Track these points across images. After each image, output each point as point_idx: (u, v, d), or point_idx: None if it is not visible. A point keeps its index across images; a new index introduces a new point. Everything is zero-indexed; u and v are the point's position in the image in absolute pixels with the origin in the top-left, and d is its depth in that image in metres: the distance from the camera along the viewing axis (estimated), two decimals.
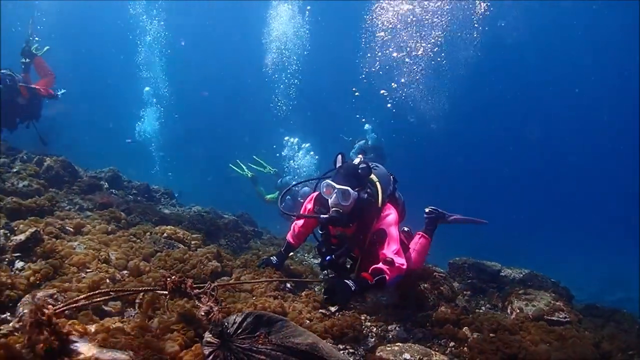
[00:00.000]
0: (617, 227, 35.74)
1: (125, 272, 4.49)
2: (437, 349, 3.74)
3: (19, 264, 4.24)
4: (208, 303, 2.96)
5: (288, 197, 12.04)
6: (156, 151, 27.06)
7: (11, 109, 9.94)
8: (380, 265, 4.16)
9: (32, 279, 3.77)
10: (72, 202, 7.30)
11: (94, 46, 44.78)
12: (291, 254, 6.07)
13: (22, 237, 4.50)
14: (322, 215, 4.50)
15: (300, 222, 5.49)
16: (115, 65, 41.54)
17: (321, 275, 5.72)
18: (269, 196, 13.69)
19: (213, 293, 3.11)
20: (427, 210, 5.99)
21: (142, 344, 2.67)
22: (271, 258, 5.44)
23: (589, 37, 33.98)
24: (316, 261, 7.88)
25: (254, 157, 14.67)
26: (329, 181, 4.44)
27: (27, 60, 10.84)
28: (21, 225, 5.04)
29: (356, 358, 3.41)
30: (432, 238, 5.81)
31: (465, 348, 3.99)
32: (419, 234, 5.77)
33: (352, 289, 3.84)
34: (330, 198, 4.43)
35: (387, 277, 4.03)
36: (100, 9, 40.23)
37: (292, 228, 5.65)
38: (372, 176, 4.86)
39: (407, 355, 3.32)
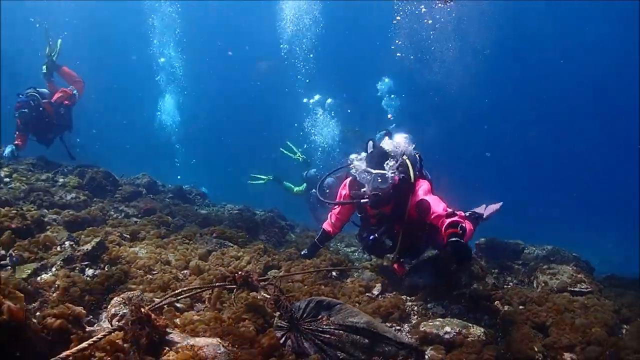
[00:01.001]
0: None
1: (186, 271, 4.97)
2: (473, 322, 4.18)
3: (89, 271, 4.72)
4: (275, 293, 3.43)
5: (313, 190, 12.39)
6: (178, 145, 27.32)
7: (43, 128, 10.34)
8: (448, 220, 4.29)
9: (106, 283, 4.26)
10: (117, 209, 7.79)
11: (109, 43, 44.65)
12: (326, 243, 6.29)
13: (88, 246, 4.99)
14: (362, 200, 4.82)
15: (337, 210, 5.72)
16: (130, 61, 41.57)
17: (364, 258, 6.06)
18: (296, 189, 13.83)
19: (277, 284, 3.56)
20: (467, 213, 6.07)
21: (224, 331, 3.15)
22: (302, 252, 5.79)
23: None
24: (349, 250, 8.35)
25: (287, 142, 14.66)
26: (364, 168, 4.74)
27: (46, 71, 11.01)
28: (82, 236, 5.55)
29: (403, 333, 3.86)
30: (476, 229, 5.66)
31: (498, 320, 4.42)
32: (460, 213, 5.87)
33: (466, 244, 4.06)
34: (368, 183, 4.74)
35: (461, 223, 4.24)
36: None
37: (329, 217, 5.87)
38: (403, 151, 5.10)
39: (447, 329, 3.77)
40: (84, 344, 2.54)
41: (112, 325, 3.21)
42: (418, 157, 5.37)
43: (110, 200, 8.31)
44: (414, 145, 5.24)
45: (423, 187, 4.90)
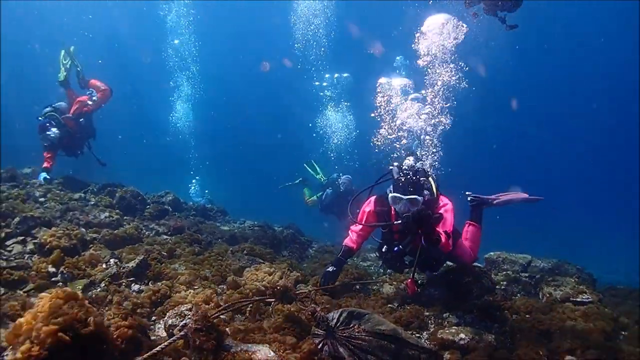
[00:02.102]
0: None
1: (223, 286, 5.46)
2: (484, 330, 4.66)
3: (135, 287, 5.25)
4: (311, 305, 3.93)
5: (329, 189, 12.92)
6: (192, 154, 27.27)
7: (69, 143, 10.72)
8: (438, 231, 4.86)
9: (153, 297, 4.76)
10: (149, 227, 8.30)
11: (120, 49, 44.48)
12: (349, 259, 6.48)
13: (132, 264, 5.51)
14: (395, 222, 5.17)
15: (358, 227, 5.88)
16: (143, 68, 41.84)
17: (380, 271, 6.44)
18: (309, 198, 14.26)
19: (312, 297, 4.07)
20: (468, 198, 6.38)
21: (270, 339, 3.65)
22: (329, 269, 5.82)
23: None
24: (365, 264, 8.83)
25: (312, 161, 14.99)
26: (395, 194, 5.09)
27: (63, 79, 11.15)
28: (124, 254, 6.08)
29: (423, 340, 4.34)
30: (482, 225, 6.23)
31: (507, 327, 4.90)
32: (468, 223, 6.24)
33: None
34: (399, 207, 5.12)
35: (443, 240, 4.81)
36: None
37: (349, 233, 6.00)
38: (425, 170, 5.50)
39: (462, 335, 4.26)
40: (155, 350, 3.05)
41: (168, 334, 3.72)
42: (434, 176, 5.76)
43: (140, 218, 8.82)
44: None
45: (448, 205, 5.33)
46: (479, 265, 7.44)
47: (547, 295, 6.32)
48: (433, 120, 6.51)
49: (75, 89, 11.36)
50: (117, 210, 8.61)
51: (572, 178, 44.63)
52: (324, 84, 22.94)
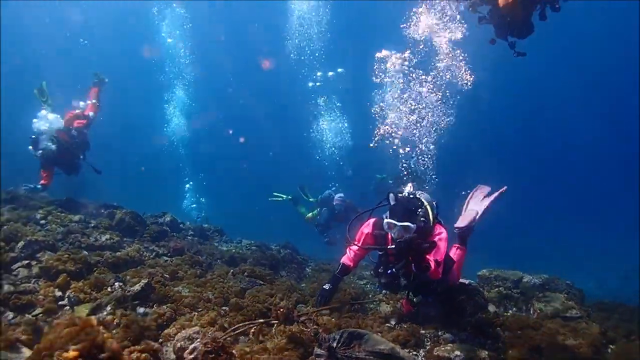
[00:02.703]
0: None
1: (226, 308, 5.64)
2: (478, 347, 4.87)
3: (140, 310, 5.40)
4: (313, 326, 4.14)
5: (324, 208, 13.13)
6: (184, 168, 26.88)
7: (68, 158, 10.71)
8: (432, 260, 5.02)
9: (159, 320, 4.94)
10: (149, 249, 8.42)
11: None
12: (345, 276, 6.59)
13: (137, 287, 5.66)
14: (389, 247, 5.31)
15: (356, 247, 5.97)
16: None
17: (377, 289, 6.63)
18: (308, 215, 14.39)
19: (314, 319, 4.28)
20: (455, 230, 6.62)
21: (277, 358, 3.85)
22: (325, 287, 6.00)
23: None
24: (361, 282, 9.02)
25: (301, 188, 15.18)
26: (389, 220, 5.22)
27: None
28: (128, 276, 6.25)
29: (419, 357, 4.55)
30: (467, 247, 6.57)
31: (499, 344, 5.13)
32: (455, 246, 6.55)
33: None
34: (393, 233, 5.26)
35: (432, 269, 4.99)
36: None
37: (347, 251, 6.12)
38: (422, 199, 5.64)
39: (457, 352, 4.48)
40: None
41: (177, 357, 3.91)
42: (434, 204, 5.90)
43: (140, 239, 8.96)
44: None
45: (443, 234, 5.52)
46: (472, 282, 7.68)
47: (538, 311, 6.55)
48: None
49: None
50: (117, 232, 8.72)
51: (571, 178, 44.73)
52: (317, 84, 23.12)
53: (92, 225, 9.03)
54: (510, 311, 7.02)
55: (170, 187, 30.37)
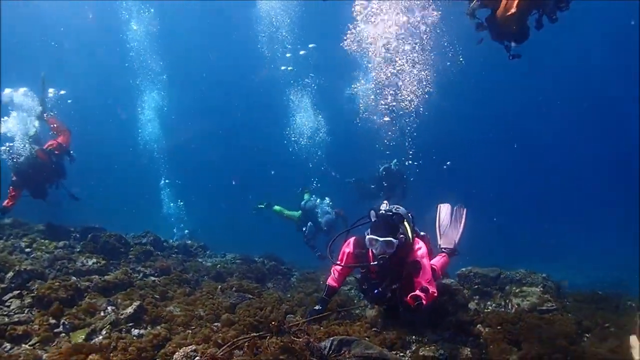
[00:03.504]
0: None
1: (217, 323, 5.82)
2: (461, 344, 5.15)
3: (135, 332, 5.60)
4: (305, 336, 4.37)
5: (310, 223, 13.27)
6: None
7: (37, 177, 10.61)
8: (418, 292, 4.97)
9: (154, 341, 5.11)
10: (135, 270, 8.56)
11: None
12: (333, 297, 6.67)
13: (130, 310, 5.86)
14: (372, 263, 5.43)
15: (339, 267, 6.08)
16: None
17: (361, 295, 6.83)
18: (288, 212, 14.62)
19: (305, 329, 4.50)
20: (441, 249, 7.01)
21: None
22: (315, 308, 6.12)
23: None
24: (345, 288, 9.26)
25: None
26: (372, 236, 5.29)
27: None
28: (119, 300, 6.41)
29: (406, 358, 4.79)
30: (450, 259, 6.87)
31: (481, 340, 5.42)
32: (441, 255, 6.81)
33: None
34: (375, 248, 5.32)
35: (424, 302, 5.01)
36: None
37: (332, 272, 6.20)
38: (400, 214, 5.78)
39: (441, 351, 4.75)
40: None
41: None
42: (410, 216, 6.11)
43: (125, 261, 9.10)
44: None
45: (422, 250, 5.63)
46: (453, 281, 7.97)
47: (516, 306, 6.85)
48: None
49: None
50: (103, 256, 8.82)
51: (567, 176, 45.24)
52: (289, 68, 23.28)
53: (78, 250, 9.21)
54: (489, 307, 7.32)
55: (146, 197, 30.45)
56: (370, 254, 5.58)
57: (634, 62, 32.41)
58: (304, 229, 13.44)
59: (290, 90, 21.69)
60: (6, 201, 10.45)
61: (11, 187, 10.51)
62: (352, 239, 5.98)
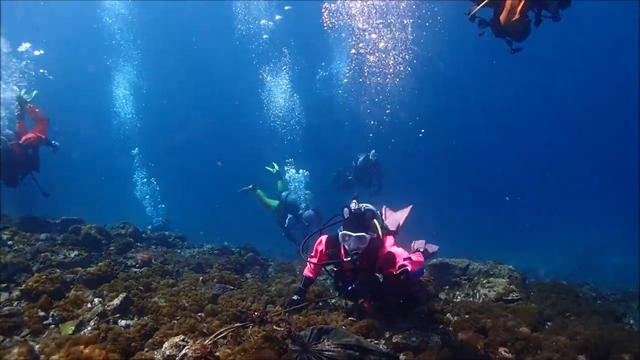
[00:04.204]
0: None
1: (201, 314, 6.09)
2: (431, 332, 5.51)
3: (122, 322, 5.83)
4: (286, 325, 4.68)
5: (290, 216, 13.61)
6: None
7: (10, 169, 10.58)
8: (402, 262, 5.11)
9: (142, 331, 5.35)
10: (117, 262, 8.72)
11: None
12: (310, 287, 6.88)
13: (117, 301, 6.09)
14: (346, 259, 5.57)
15: (315, 259, 6.29)
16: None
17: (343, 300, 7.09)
18: (268, 200, 14.81)
19: (287, 319, 4.82)
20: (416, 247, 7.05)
21: (257, 357, 4.37)
22: (294, 298, 6.41)
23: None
24: (321, 278, 9.57)
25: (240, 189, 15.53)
26: (345, 232, 5.51)
27: (19, 108, 11.11)
28: (104, 291, 6.63)
29: (381, 345, 5.13)
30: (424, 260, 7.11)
31: (450, 327, 5.80)
32: (417, 253, 6.65)
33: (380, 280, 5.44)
34: (349, 244, 5.52)
35: (410, 268, 5.10)
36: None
37: (308, 265, 6.40)
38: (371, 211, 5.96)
39: (413, 338, 5.10)
40: None
41: None
42: (379, 212, 6.40)
43: (106, 253, 9.30)
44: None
45: (389, 241, 5.90)
46: (425, 272, 8.38)
47: (483, 296, 7.27)
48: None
49: (27, 124, 11.40)
50: (85, 248, 9.04)
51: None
52: (265, 36, 23.82)
53: (59, 242, 9.33)
54: (459, 297, 7.72)
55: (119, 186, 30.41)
56: (343, 251, 5.77)
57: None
58: (285, 224, 13.77)
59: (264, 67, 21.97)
60: None
61: None
62: (324, 238, 6.20)
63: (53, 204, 12.64)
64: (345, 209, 5.68)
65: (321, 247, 6.16)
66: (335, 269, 6.10)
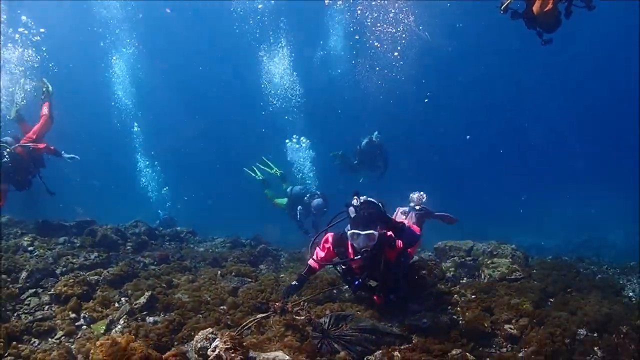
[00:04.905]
0: None
1: (223, 307, 6.44)
2: (441, 313, 5.88)
3: (150, 319, 6.19)
4: (306, 314, 5.06)
5: (300, 207, 13.97)
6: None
7: (22, 173, 10.67)
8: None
9: (170, 326, 5.70)
10: (135, 260, 9.08)
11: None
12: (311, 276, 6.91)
13: (143, 300, 6.45)
14: (356, 257, 5.61)
15: (323, 253, 6.31)
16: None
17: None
18: (277, 200, 15.13)
19: (306, 308, 5.18)
20: (417, 207, 7.64)
21: (279, 346, 4.74)
22: (293, 284, 6.55)
23: None
24: (330, 267, 9.91)
25: (263, 157, 15.68)
26: (354, 231, 5.47)
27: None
28: (129, 290, 7.00)
29: (394, 327, 5.49)
30: (422, 230, 7.42)
31: (458, 308, 6.20)
32: (413, 226, 7.21)
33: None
34: (357, 243, 5.52)
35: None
36: None
37: (315, 254, 6.43)
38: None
39: (424, 320, 5.47)
40: None
41: (199, 356, 4.72)
42: (381, 204, 6.26)
43: (124, 252, 9.66)
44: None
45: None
46: (430, 254, 8.77)
47: (488, 276, 7.63)
48: None
49: (29, 122, 11.54)
50: (103, 249, 9.34)
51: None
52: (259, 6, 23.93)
53: (78, 245, 9.65)
54: (465, 279, 8.07)
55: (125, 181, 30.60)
56: (350, 249, 5.84)
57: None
58: (297, 217, 14.11)
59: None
60: None
61: None
62: (329, 235, 6.26)
63: (56, 203, 12.81)
64: (351, 208, 5.70)
65: (328, 245, 6.22)
66: (343, 267, 6.14)
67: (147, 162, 25.06)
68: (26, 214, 11.53)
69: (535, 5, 6.58)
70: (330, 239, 6.19)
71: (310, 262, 6.51)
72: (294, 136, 17.71)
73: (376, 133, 16.27)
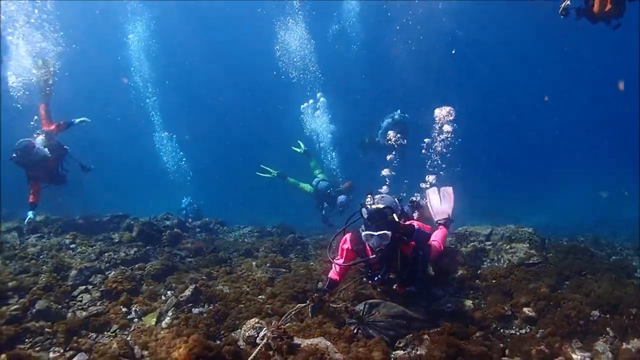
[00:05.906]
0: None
1: (261, 296, 6.97)
2: (464, 297, 6.38)
3: (195, 310, 6.70)
4: (343, 303, 5.60)
5: (326, 204, 14.33)
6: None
7: (50, 166, 11.01)
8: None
9: (215, 317, 6.20)
10: (172, 253, 9.48)
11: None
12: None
13: (188, 292, 6.93)
14: (371, 257, 5.74)
15: (342, 259, 6.37)
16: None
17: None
18: (303, 185, 15.04)
19: (343, 297, 5.72)
20: (438, 223, 7.66)
21: (321, 332, 5.27)
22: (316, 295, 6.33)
23: None
24: None
25: (261, 165, 15.61)
26: (367, 232, 5.61)
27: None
28: (173, 283, 7.50)
29: (421, 314, 5.98)
30: (449, 229, 7.64)
31: (479, 292, 6.72)
32: (439, 228, 7.46)
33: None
34: (372, 243, 5.66)
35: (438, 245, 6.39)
36: None
37: (333, 266, 6.43)
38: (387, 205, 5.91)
39: (449, 304, 5.98)
40: (252, 357, 4.54)
41: (247, 343, 5.21)
42: (397, 200, 6.55)
43: (160, 246, 10.04)
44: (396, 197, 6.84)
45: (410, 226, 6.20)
46: (450, 238, 9.23)
47: (507, 261, 8.04)
48: None
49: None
50: (140, 243, 9.77)
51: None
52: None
53: (117, 240, 10.10)
54: (485, 263, 8.52)
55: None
56: (368, 247, 5.91)
57: None
58: (322, 212, 14.42)
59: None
60: (31, 198, 10.89)
61: (31, 182, 10.90)
62: (348, 236, 6.31)
63: (83, 196, 13.05)
64: (364, 209, 5.78)
65: (347, 246, 6.27)
66: (363, 265, 6.25)
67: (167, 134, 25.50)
68: (58, 212, 11.88)
69: (595, 7, 6.93)
70: (348, 240, 6.27)
71: (331, 274, 6.52)
72: (309, 100, 17.75)
73: (399, 111, 16.32)
